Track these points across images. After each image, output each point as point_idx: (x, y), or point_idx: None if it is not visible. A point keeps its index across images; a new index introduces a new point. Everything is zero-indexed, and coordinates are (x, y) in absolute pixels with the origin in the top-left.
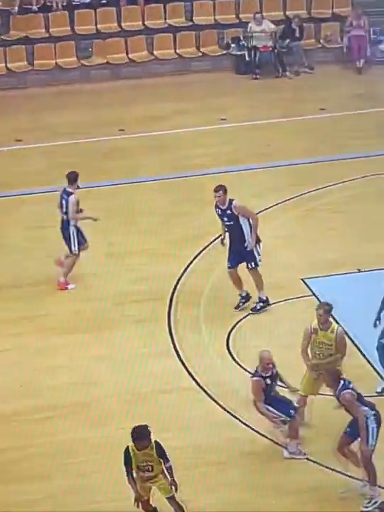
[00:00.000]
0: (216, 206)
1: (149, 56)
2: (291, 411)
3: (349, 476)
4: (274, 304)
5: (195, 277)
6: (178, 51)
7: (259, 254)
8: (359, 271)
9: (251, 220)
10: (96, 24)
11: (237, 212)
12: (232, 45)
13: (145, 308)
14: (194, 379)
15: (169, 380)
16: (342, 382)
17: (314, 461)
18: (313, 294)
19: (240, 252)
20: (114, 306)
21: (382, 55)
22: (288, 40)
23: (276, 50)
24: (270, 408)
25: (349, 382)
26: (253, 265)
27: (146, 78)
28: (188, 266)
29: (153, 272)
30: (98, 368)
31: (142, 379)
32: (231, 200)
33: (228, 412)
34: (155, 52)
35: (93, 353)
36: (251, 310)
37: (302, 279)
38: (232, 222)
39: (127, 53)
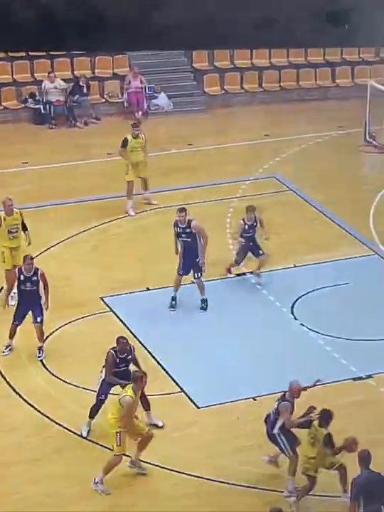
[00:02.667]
0: (176, 224)
1: None
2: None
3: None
4: (79, 319)
5: None
6: None
7: (203, 266)
8: (148, 289)
9: (203, 239)
10: None
11: (195, 231)
12: (29, 100)
13: None
14: (11, 386)
15: None
16: None
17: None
18: (111, 310)
19: (191, 264)
20: None
21: (155, 107)
22: (77, 96)
23: (67, 104)
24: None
25: None
26: (199, 275)
27: None
28: None
29: None
30: None
31: None
32: (190, 220)
33: (44, 415)
34: None
35: None
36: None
37: (101, 298)
38: (189, 239)
39: None
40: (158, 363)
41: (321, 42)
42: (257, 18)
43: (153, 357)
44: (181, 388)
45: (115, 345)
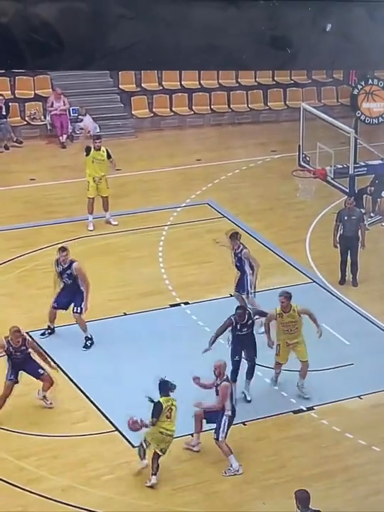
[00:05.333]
0: (58, 263)
1: None
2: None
3: None
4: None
5: None
6: None
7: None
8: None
9: (84, 285)
10: None
11: (75, 273)
12: None
13: None
14: None
15: None
16: None
17: None
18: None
19: (71, 299)
20: None
21: (81, 131)
22: None
23: None
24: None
25: None
26: (79, 310)
27: None
28: None
29: None
30: None
31: None
32: (72, 261)
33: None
34: None
35: None
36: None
37: (26, 332)
38: (70, 281)
39: None
40: (91, 400)
41: (265, 65)
42: (203, 42)
43: (85, 394)
44: (115, 426)
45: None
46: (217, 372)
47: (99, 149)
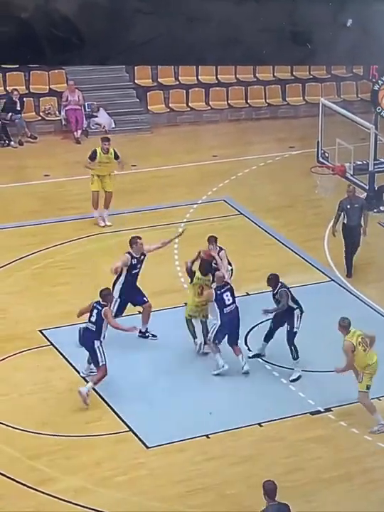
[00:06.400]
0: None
1: None
2: None
3: None
4: (16, 354)
5: None
6: None
7: None
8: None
9: None
10: None
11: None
12: None
13: None
14: None
15: None
16: None
17: None
18: (51, 344)
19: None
20: None
21: (96, 126)
22: (10, 113)
23: (0, 122)
24: None
25: None
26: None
27: None
28: None
29: None
30: None
31: None
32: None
33: None
34: None
35: None
36: None
37: (40, 330)
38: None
39: None
40: (105, 400)
41: (284, 60)
42: (222, 37)
43: (99, 394)
44: (129, 426)
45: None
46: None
47: (107, 152)
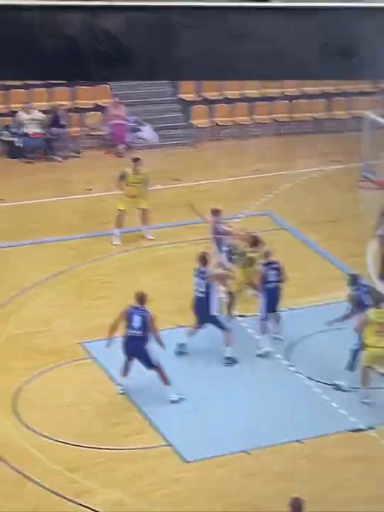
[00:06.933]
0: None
1: None
2: None
3: None
4: (57, 366)
5: None
6: None
7: None
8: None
9: None
10: None
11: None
12: (4, 132)
13: None
14: None
15: None
16: None
17: None
18: (92, 357)
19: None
20: None
21: (140, 141)
22: (55, 128)
23: (45, 136)
24: None
25: None
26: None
27: None
28: None
29: None
30: None
31: None
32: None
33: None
34: None
35: None
36: None
37: (81, 343)
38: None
39: None
40: (144, 414)
41: (331, 75)
42: (266, 51)
43: (138, 406)
44: (168, 441)
45: None
46: None
47: (137, 173)
